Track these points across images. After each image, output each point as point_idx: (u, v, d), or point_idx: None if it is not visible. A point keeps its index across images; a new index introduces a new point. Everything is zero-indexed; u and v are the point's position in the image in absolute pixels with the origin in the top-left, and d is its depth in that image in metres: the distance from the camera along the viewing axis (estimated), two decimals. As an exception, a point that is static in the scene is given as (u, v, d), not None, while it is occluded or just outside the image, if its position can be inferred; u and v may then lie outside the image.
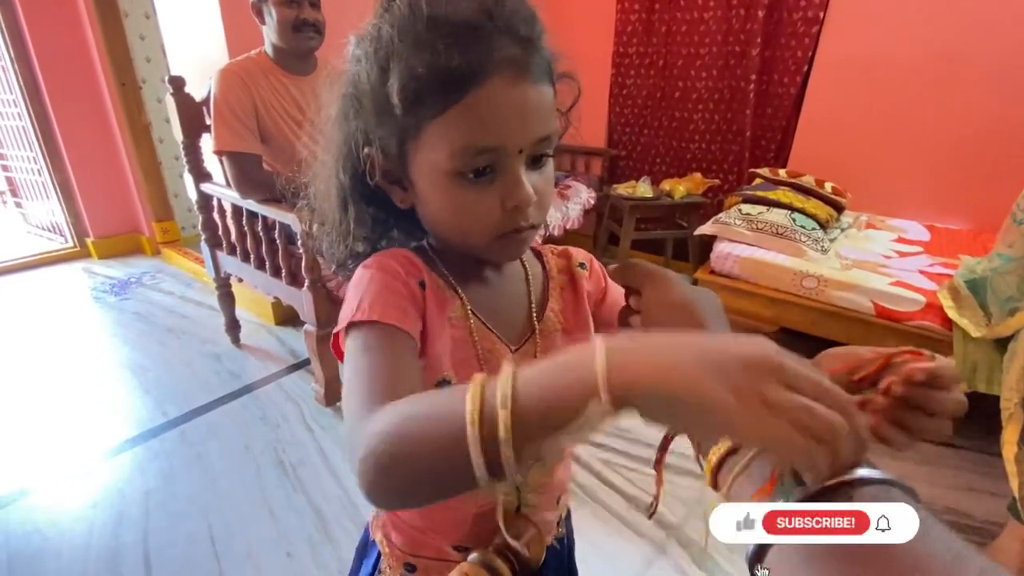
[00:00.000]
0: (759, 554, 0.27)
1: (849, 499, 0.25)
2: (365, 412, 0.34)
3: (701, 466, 0.34)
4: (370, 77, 0.42)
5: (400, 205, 0.48)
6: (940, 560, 0.22)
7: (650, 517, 0.42)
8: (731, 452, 0.30)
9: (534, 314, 0.52)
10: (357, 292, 0.44)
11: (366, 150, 0.45)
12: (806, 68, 2.56)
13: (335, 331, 0.44)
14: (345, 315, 0.43)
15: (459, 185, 0.42)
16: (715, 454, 0.31)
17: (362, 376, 0.39)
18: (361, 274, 0.46)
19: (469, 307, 0.49)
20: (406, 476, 0.31)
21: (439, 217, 0.46)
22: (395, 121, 0.42)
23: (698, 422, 0.25)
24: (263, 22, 1.65)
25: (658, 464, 0.38)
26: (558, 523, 0.62)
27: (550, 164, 0.46)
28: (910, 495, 0.26)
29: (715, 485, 0.32)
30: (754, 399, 0.23)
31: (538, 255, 0.57)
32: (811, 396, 0.23)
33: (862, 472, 0.26)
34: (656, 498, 0.39)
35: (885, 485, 0.26)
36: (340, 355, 0.46)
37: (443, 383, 0.46)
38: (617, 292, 0.57)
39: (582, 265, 0.57)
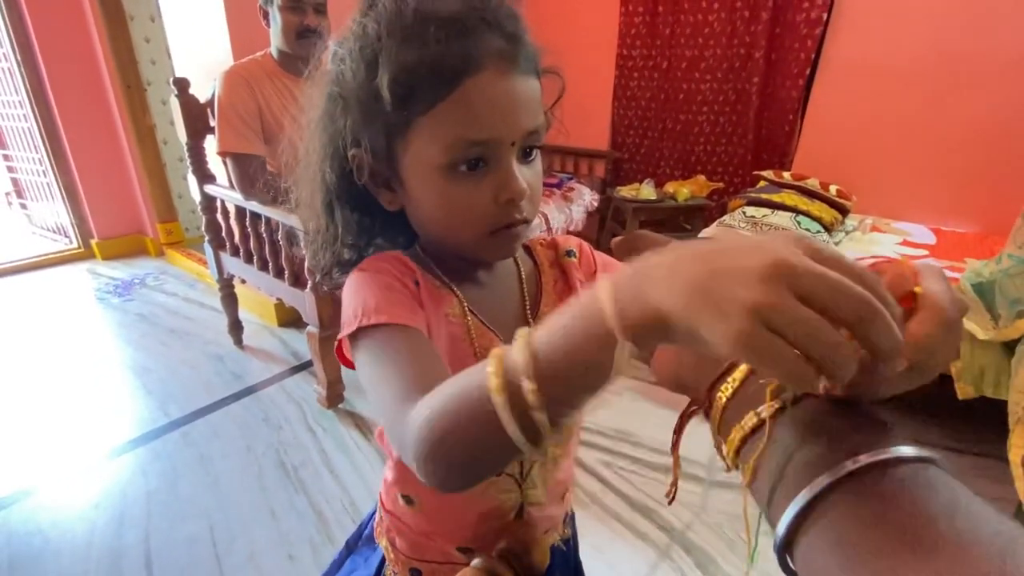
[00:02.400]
0: (788, 542, 0.25)
1: (881, 480, 0.23)
2: (403, 407, 0.35)
3: (721, 452, 0.32)
4: (356, 75, 0.42)
5: (388, 207, 0.48)
6: (988, 546, 0.20)
7: (670, 502, 0.41)
8: (755, 429, 0.28)
9: (528, 312, 0.52)
10: (357, 297, 0.43)
11: (353, 151, 0.45)
12: (810, 71, 2.56)
13: (339, 337, 0.44)
14: (348, 321, 0.42)
15: (452, 179, 0.42)
16: (737, 434, 0.29)
17: (389, 377, 0.38)
18: (357, 278, 0.45)
19: (466, 305, 0.48)
20: (457, 457, 0.32)
21: (431, 215, 0.46)
22: (384, 118, 0.42)
23: (715, 350, 0.23)
24: (268, 25, 1.66)
25: (675, 447, 0.37)
26: (564, 521, 0.61)
27: (539, 158, 0.46)
28: (950, 475, 0.23)
29: (736, 466, 0.30)
30: (751, 324, 0.21)
31: (528, 251, 0.57)
32: (829, 303, 0.20)
33: (897, 450, 0.23)
34: (674, 482, 0.38)
35: (923, 463, 0.23)
36: (345, 362, 0.46)
37: None
38: (615, 267, 0.56)
39: (570, 253, 0.56)
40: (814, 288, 0.20)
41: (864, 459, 0.23)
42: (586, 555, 0.68)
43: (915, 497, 0.22)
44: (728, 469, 0.32)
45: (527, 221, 0.45)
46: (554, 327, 0.28)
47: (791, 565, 0.26)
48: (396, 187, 0.46)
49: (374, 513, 0.64)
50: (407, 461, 0.34)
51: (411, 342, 0.41)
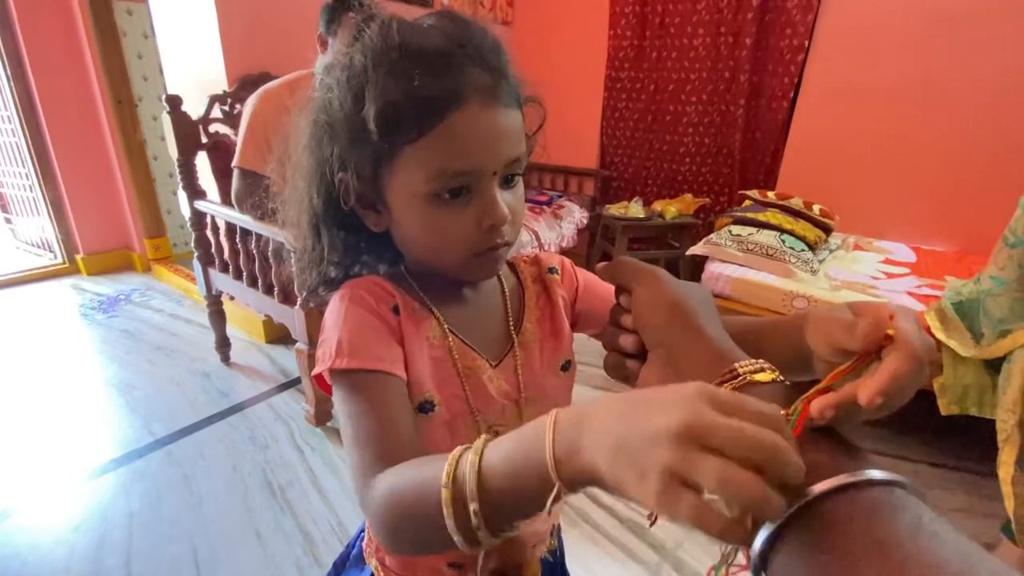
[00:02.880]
0: (763, 563, 0.25)
1: (852, 503, 0.24)
2: (367, 477, 0.39)
3: None
4: (343, 105, 0.43)
5: (374, 228, 0.49)
6: (950, 565, 0.21)
7: (651, 525, 0.41)
8: None
9: (512, 327, 0.53)
10: (334, 330, 0.45)
11: (340, 175, 0.46)
12: (793, 93, 2.63)
13: (315, 373, 0.45)
14: (325, 354, 0.44)
15: (435, 206, 0.43)
16: None
17: (358, 439, 0.41)
18: (335, 308, 0.46)
19: (446, 326, 0.49)
20: (406, 538, 0.37)
21: (415, 239, 0.47)
22: (370, 146, 0.43)
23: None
24: (323, 52, 1.67)
25: None
26: (551, 533, 0.61)
27: (520, 183, 0.48)
28: (917, 496, 0.24)
29: None
30: (669, 485, 0.23)
31: (512, 267, 0.58)
32: (735, 455, 0.22)
33: (865, 474, 0.24)
34: None
35: (890, 487, 0.24)
36: (325, 388, 0.47)
37: (426, 404, 0.47)
38: (597, 284, 0.59)
39: (552, 270, 0.58)
40: (720, 442, 0.22)
41: (833, 483, 0.24)
42: (575, 573, 0.68)
43: (881, 520, 0.23)
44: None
45: (509, 244, 0.47)
46: (505, 454, 0.31)
47: None
48: (382, 210, 0.48)
49: (361, 533, 0.64)
50: (370, 524, 0.38)
51: (382, 397, 0.43)
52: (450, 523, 0.31)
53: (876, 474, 0.24)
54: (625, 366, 0.40)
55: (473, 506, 0.30)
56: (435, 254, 0.46)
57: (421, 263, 0.50)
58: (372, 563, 0.57)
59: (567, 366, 0.56)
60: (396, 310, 0.47)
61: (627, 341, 0.39)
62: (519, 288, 0.56)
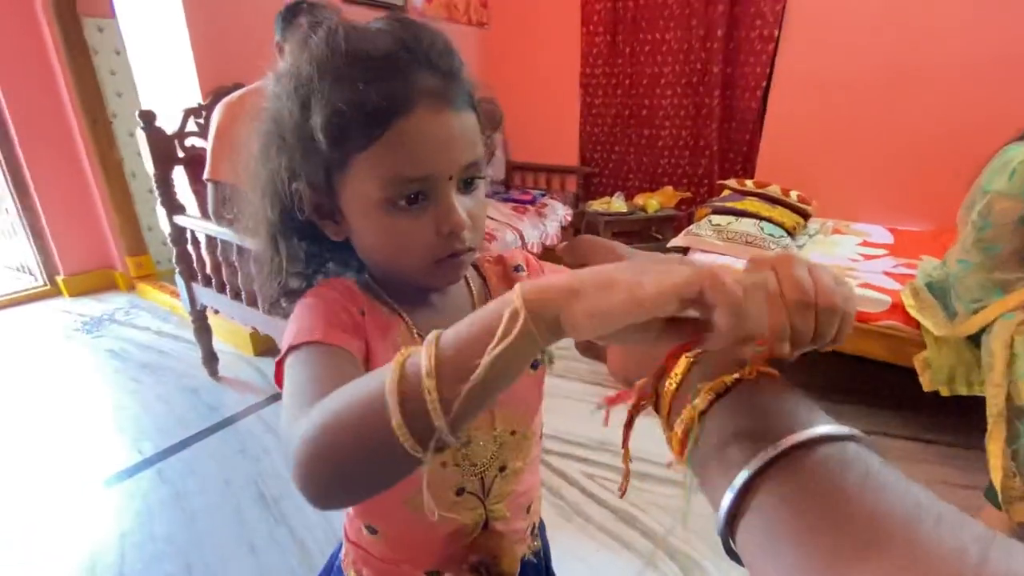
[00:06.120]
0: (730, 527, 0.26)
1: (803, 461, 0.24)
2: (297, 416, 0.33)
3: (671, 445, 0.34)
4: (292, 114, 0.42)
5: (334, 238, 0.48)
6: (899, 514, 0.21)
7: (622, 496, 0.40)
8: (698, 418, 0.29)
9: None
10: (296, 322, 0.43)
11: (294, 185, 0.45)
12: (766, 83, 2.67)
13: (277, 361, 0.42)
14: (284, 345, 0.42)
15: (392, 214, 0.42)
16: (679, 426, 0.30)
17: (297, 387, 0.37)
18: (301, 304, 0.45)
19: (415, 329, 0.48)
20: (338, 463, 0.30)
21: (375, 247, 0.46)
22: (321, 155, 0.42)
23: (614, 315, 0.24)
24: (283, 59, 1.66)
25: (624, 441, 0.37)
26: (531, 532, 0.61)
27: (481, 187, 0.46)
28: (869, 448, 0.24)
29: (681, 455, 0.31)
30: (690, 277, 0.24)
31: (476, 269, 0.57)
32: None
33: (816, 430, 0.24)
34: (625, 476, 0.38)
35: (844, 441, 0.24)
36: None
37: None
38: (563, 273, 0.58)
39: (518, 268, 0.57)
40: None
41: (786, 442, 0.24)
42: (571, 567, 0.69)
43: (831, 475, 0.23)
44: (669, 464, 0.33)
45: (471, 249, 0.45)
46: (457, 330, 0.28)
47: (735, 549, 0.27)
48: (339, 220, 0.47)
49: (341, 545, 0.64)
50: (291, 470, 0.31)
51: (333, 361, 0.40)
52: (396, 418, 0.26)
53: (829, 429, 0.25)
54: (596, 344, 0.39)
55: (427, 382, 0.26)
56: (395, 261, 0.46)
57: (383, 271, 0.50)
58: (350, 574, 0.57)
59: (535, 364, 0.56)
60: (363, 313, 0.46)
61: None
62: (485, 289, 0.56)
